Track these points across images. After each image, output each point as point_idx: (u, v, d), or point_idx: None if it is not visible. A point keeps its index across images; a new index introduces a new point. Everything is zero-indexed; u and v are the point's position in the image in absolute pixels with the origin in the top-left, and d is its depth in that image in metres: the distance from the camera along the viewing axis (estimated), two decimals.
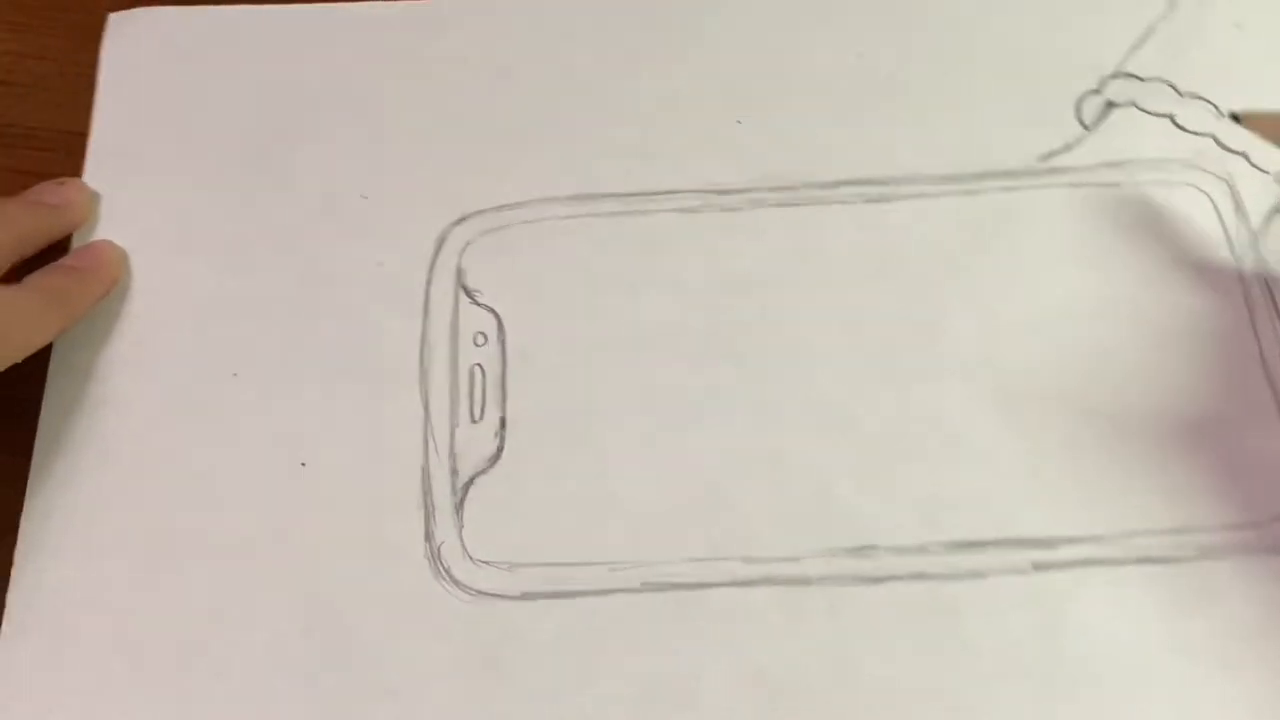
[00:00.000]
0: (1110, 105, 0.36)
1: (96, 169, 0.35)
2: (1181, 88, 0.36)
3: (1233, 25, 0.37)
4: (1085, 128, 0.36)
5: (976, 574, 0.29)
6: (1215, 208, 0.34)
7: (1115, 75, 0.37)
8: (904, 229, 0.34)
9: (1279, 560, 0.29)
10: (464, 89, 0.37)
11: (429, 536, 0.30)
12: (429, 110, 0.36)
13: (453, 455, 0.31)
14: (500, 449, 0.32)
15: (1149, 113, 0.36)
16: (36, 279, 0.32)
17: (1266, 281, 0.33)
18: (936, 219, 0.34)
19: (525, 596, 0.30)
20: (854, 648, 0.29)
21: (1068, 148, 0.35)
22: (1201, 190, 0.34)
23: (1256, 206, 0.34)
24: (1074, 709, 0.28)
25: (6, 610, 0.30)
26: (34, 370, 0.32)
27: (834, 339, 0.33)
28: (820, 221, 0.35)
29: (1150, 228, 0.34)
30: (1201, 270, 0.33)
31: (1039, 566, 0.29)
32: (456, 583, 0.30)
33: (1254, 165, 0.35)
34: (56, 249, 0.34)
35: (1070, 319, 0.32)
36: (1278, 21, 0.37)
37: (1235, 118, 0.33)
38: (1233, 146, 0.35)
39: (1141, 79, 0.36)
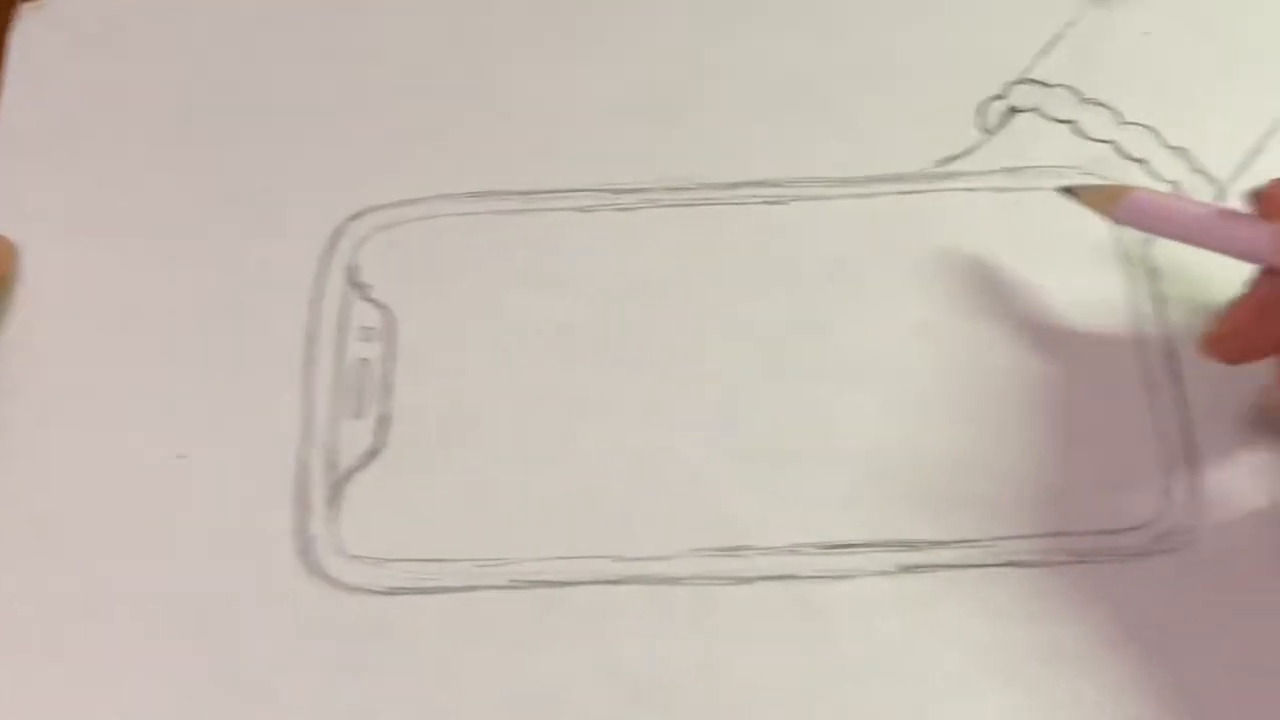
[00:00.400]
0: (1013, 111, 0.36)
1: None
2: (1085, 94, 0.36)
3: (1141, 33, 0.37)
4: (987, 133, 0.36)
5: (845, 576, 0.29)
6: None
7: (1020, 81, 0.37)
8: (797, 231, 0.34)
9: (1145, 565, 0.29)
10: (368, 84, 0.37)
11: (301, 531, 0.30)
12: (332, 105, 0.36)
13: (331, 450, 0.31)
14: (379, 445, 0.31)
15: (1051, 119, 0.36)
16: None
17: (1154, 290, 0.32)
18: (830, 221, 0.34)
19: (392, 592, 0.30)
20: (719, 648, 0.28)
21: (967, 152, 0.35)
22: None
23: None
24: (936, 711, 0.28)
25: None
26: None
27: (722, 340, 0.33)
28: (715, 223, 0.34)
29: (1041, 233, 0.34)
30: (1088, 278, 0.33)
31: (907, 569, 0.29)
32: (326, 577, 0.30)
33: (1153, 174, 0.34)
34: None
35: (956, 323, 0.32)
36: (1186, 30, 0.37)
37: (1068, 190, 0.31)
38: (1132, 154, 0.35)
39: (1046, 85, 0.36)
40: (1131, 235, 0.33)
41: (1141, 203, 0.29)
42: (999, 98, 0.36)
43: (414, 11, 0.38)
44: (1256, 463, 0.30)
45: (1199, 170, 0.34)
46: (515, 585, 0.30)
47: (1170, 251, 0.33)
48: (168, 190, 0.35)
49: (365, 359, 0.33)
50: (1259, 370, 0.30)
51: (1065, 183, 0.31)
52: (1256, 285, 0.27)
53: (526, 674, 0.28)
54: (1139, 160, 0.35)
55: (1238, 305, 0.27)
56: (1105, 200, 0.30)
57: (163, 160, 0.36)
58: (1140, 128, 0.35)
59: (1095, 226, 0.34)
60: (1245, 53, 0.36)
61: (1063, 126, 0.35)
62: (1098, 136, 0.35)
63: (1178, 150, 0.34)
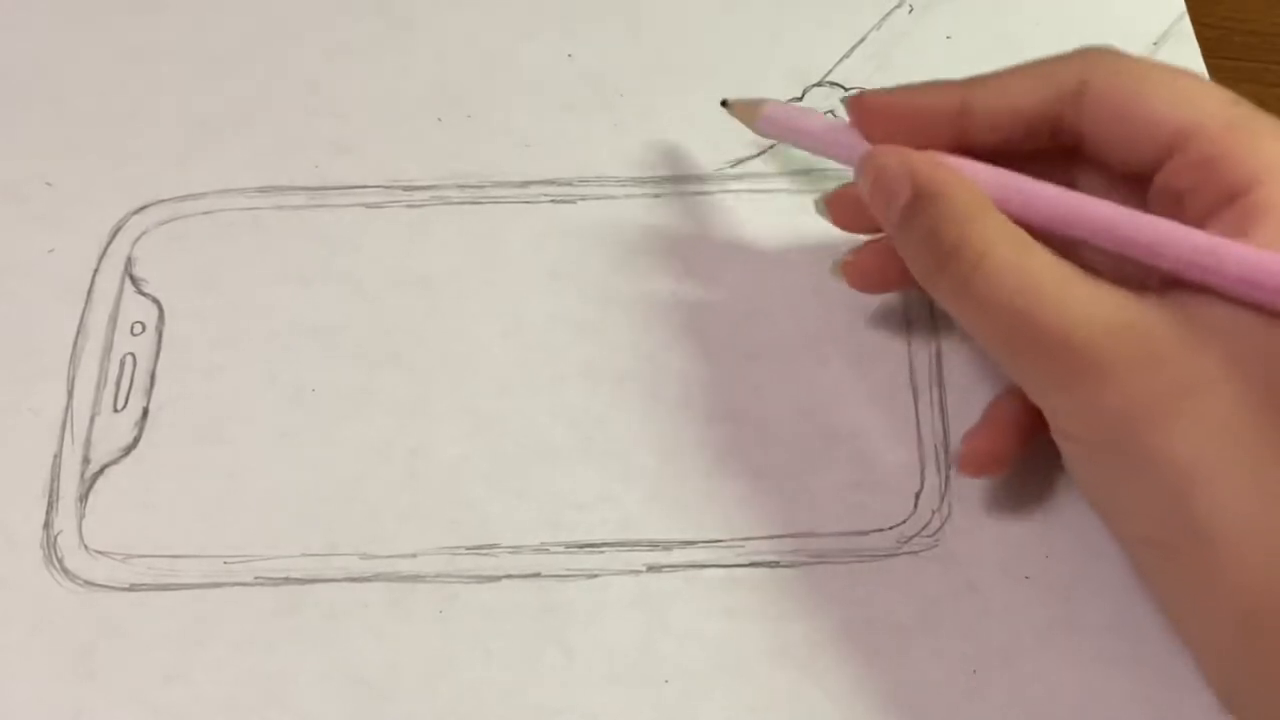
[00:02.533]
0: None
1: None
2: None
3: (944, 37, 0.37)
4: None
5: (590, 574, 0.29)
6: None
7: (820, 84, 0.37)
8: (583, 230, 0.34)
9: (887, 566, 0.28)
10: (160, 76, 0.36)
11: (48, 525, 0.30)
12: (121, 97, 0.36)
13: (87, 444, 0.31)
14: (137, 439, 0.31)
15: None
16: None
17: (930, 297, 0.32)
18: (617, 221, 0.34)
19: (134, 588, 0.29)
20: (457, 646, 0.28)
21: (760, 153, 0.35)
22: None
23: None
24: (662, 710, 0.27)
25: None
26: None
27: (493, 338, 0.32)
28: (501, 221, 0.34)
29: (823, 235, 0.34)
30: None
31: (654, 569, 0.29)
32: (66, 572, 0.29)
33: None
34: None
35: (726, 322, 0.32)
36: (988, 34, 0.37)
37: (725, 104, 0.32)
38: None
39: (845, 88, 0.36)
40: None
41: (774, 114, 0.31)
42: (796, 100, 0.36)
43: (206, 5, 0.38)
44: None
45: None
46: (260, 582, 0.29)
47: None
48: None
49: (132, 353, 0.32)
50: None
51: (723, 97, 0.33)
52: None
53: (257, 672, 0.28)
54: None
55: (871, 243, 0.30)
56: (750, 113, 0.31)
57: None
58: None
59: None
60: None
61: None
62: None
63: None
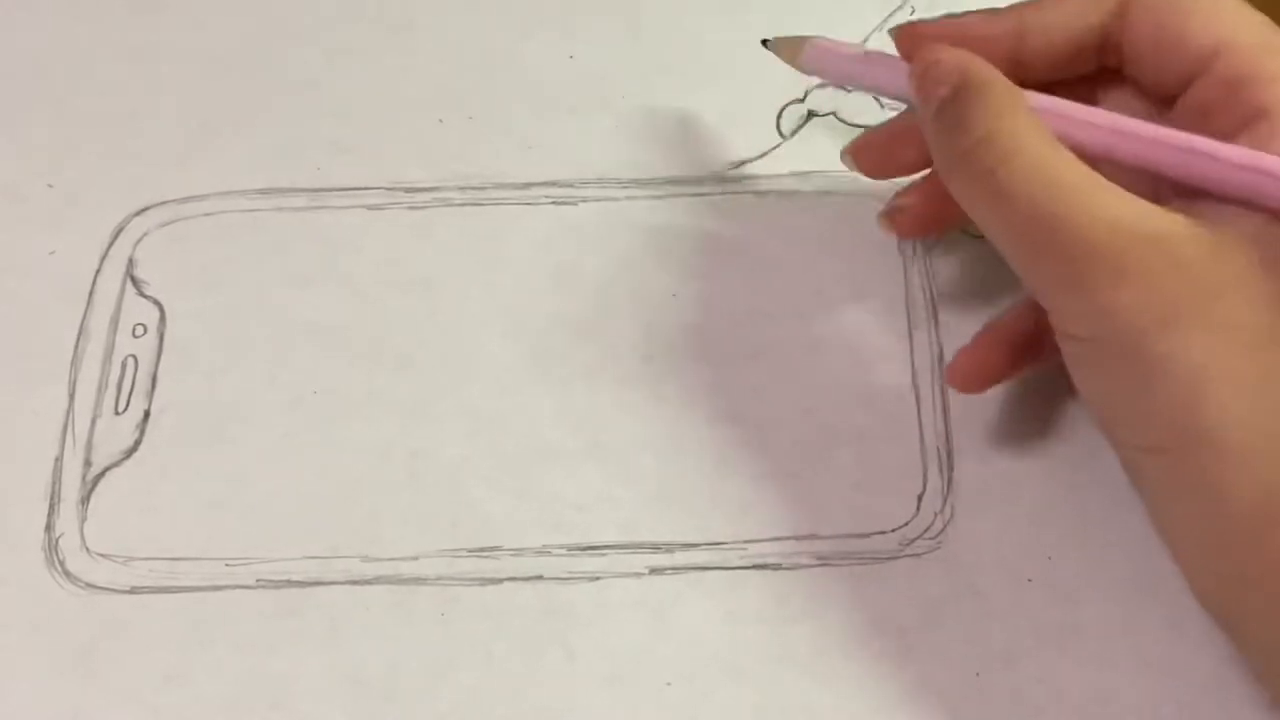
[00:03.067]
0: (811, 115, 0.36)
1: None
2: (885, 100, 0.36)
3: None
4: (783, 136, 0.36)
5: (592, 577, 0.29)
6: None
7: (822, 85, 0.36)
8: (584, 232, 0.34)
9: (889, 569, 0.28)
10: (161, 77, 0.36)
11: (49, 527, 0.30)
12: (122, 98, 0.36)
13: (89, 446, 0.31)
14: (138, 442, 0.31)
15: (848, 124, 0.36)
16: None
17: (932, 298, 0.32)
18: (619, 223, 0.34)
19: (135, 590, 0.29)
20: (458, 648, 0.28)
21: (761, 156, 0.35)
22: (884, 203, 0.34)
23: None
24: (664, 713, 0.27)
25: None
26: None
27: (494, 340, 0.32)
28: (503, 223, 0.34)
29: (823, 236, 0.34)
30: (868, 282, 0.33)
31: (656, 571, 0.29)
32: (68, 575, 0.29)
33: None
34: None
35: (728, 324, 0.32)
36: None
37: (766, 42, 0.33)
38: None
39: (847, 90, 0.36)
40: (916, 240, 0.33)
41: (819, 48, 0.31)
42: (798, 102, 0.36)
43: (207, 6, 0.37)
44: (1009, 470, 0.30)
45: None
46: (262, 585, 0.29)
47: (950, 259, 0.33)
48: None
49: (133, 355, 0.32)
50: (1020, 378, 0.31)
51: (764, 37, 0.32)
52: (900, 115, 0.31)
53: (258, 675, 0.28)
54: None
55: (879, 127, 0.31)
56: (793, 51, 0.32)
57: None
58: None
59: (878, 230, 0.34)
60: None
61: (858, 130, 0.35)
62: None
63: None
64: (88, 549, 0.29)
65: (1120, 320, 0.24)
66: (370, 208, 0.34)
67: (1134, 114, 0.27)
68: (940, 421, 0.30)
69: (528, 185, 0.35)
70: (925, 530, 0.29)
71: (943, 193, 0.27)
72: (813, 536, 0.29)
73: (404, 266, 0.33)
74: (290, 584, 0.29)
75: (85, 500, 0.30)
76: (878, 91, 0.30)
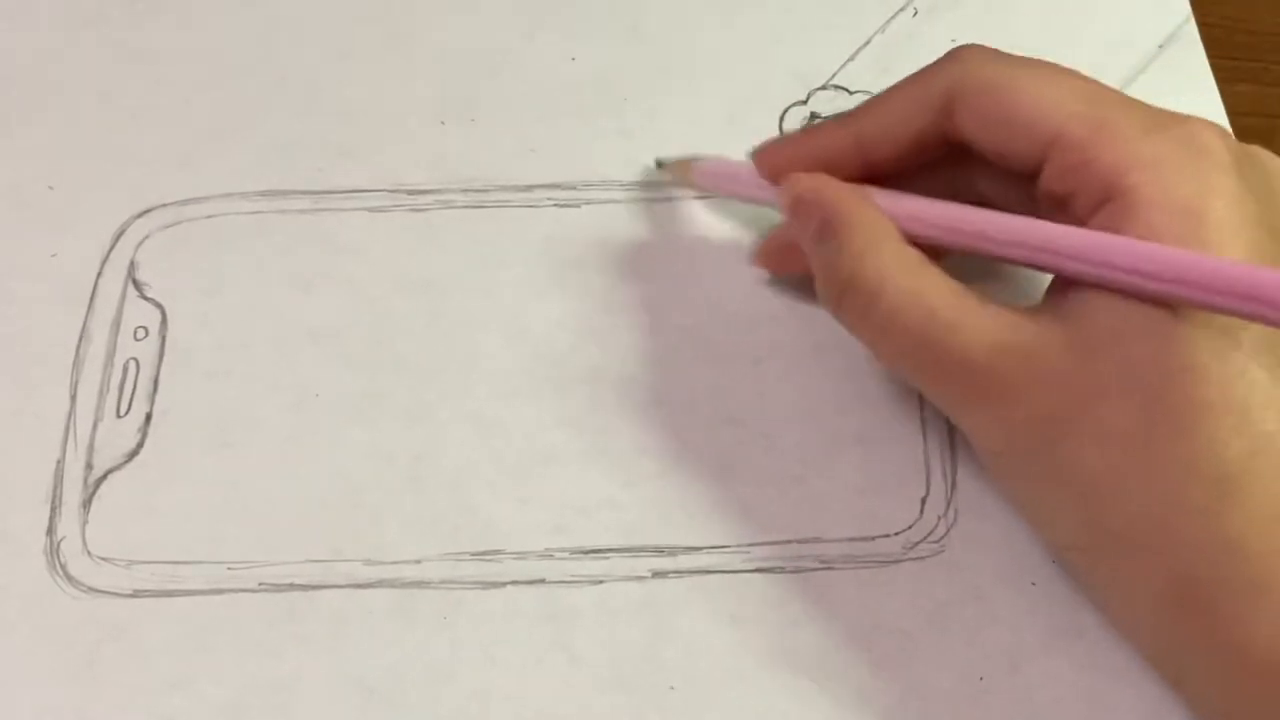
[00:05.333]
0: (814, 117, 0.36)
1: None
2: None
3: (949, 40, 0.37)
4: None
5: (595, 580, 0.29)
6: None
7: (824, 87, 0.36)
8: (587, 235, 0.34)
9: (892, 572, 0.28)
10: (162, 79, 0.36)
11: (51, 531, 0.30)
12: (124, 100, 0.36)
13: (90, 449, 0.31)
14: (140, 445, 0.31)
15: None
16: None
17: None
18: (622, 225, 0.34)
19: (137, 594, 0.29)
20: (460, 652, 0.28)
21: None
22: None
23: None
24: (666, 717, 0.27)
25: None
26: None
27: (496, 343, 0.32)
28: (505, 225, 0.34)
29: None
30: None
31: (659, 574, 0.29)
32: (70, 579, 0.29)
33: None
34: None
35: (731, 327, 0.32)
36: (992, 38, 0.37)
37: (659, 164, 0.34)
38: None
39: (850, 91, 0.36)
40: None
41: (705, 169, 0.32)
42: (801, 103, 0.36)
43: (211, 8, 0.37)
44: None
45: None
46: (264, 589, 0.29)
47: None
48: None
49: (135, 358, 0.32)
50: None
51: (657, 157, 0.34)
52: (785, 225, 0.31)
53: (261, 679, 0.28)
54: None
55: (780, 229, 0.32)
56: (683, 172, 0.33)
57: None
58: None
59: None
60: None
61: None
62: None
63: None
64: (89, 552, 0.29)
65: (1019, 431, 0.25)
66: (372, 210, 0.34)
67: (997, 195, 0.28)
68: (944, 424, 0.30)
69: (530, 188, 0.35)
70: (929, 534, 0.29)
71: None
72: (816, 540, 0.29)
73: (406, 269, 0.33)
74: (293, 587, 0.29)
75: (87, 504, 0.30)
76: (771, 206, 0.30)
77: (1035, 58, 0.27)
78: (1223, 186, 0.24)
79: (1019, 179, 0.27)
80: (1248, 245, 0.24)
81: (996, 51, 0.28)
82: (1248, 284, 0.23)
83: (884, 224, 0.27)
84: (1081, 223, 0.25)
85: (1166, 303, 0.24)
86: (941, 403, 0.27)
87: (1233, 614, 0.23)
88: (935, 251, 0.27)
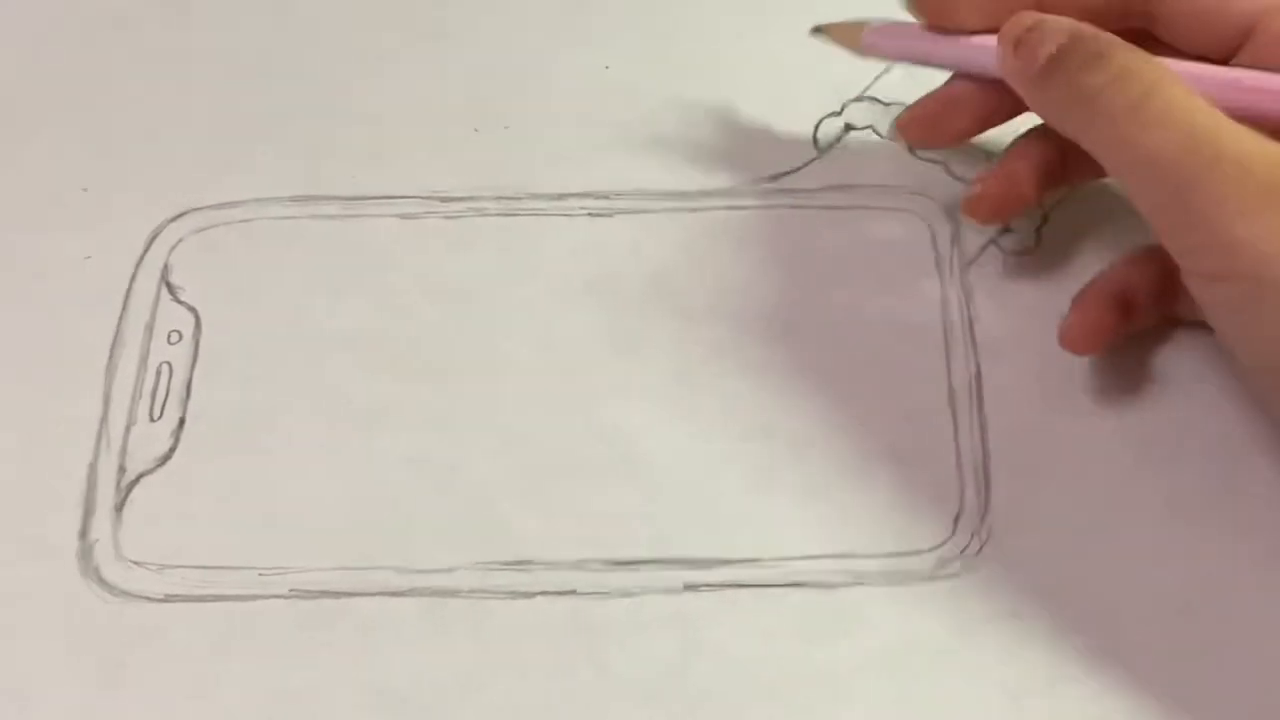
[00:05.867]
0: (849, 128, 0.36)
1: None
2: None
3: None
4: (820, 150, 0.35)
5: (626, 593, 0.29)
6: (933, 237, 0.33)
7: (859, 99, 0.36)
8: (619, 244, 0.34)
9: (925, 589, 0.28)
10: (196, 84, 0.37)
11: (84, 534, 0.30)
12: (158, 105, 0.36)
13: (123, 453, 0.31)
14: (173, 449, 0.31)
15: (885, 138, 0.36)
16: None
17: (969, 316, 0.32)
18: (654, 235, 0.34)
19: (168, 599, 0.29)
20: (489, 662, 0.28)
21: (798, 169, 0.35)
22: (922, 218, 0.34)
23: (976, 240, 0.33)
24: None
25: None
26: None
27: (527, 352, 0.32)
28: (538, 233, 0.34)
29: (865, 251, 0.33)
30: (904, 299, 0.32)
31: (690, 587, 0.29)
32: (102, 582, 0.29)
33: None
34: None
35: (763, 339, 0.32)
36: None
37: (817, 29, 0.33)
38: (961, 174, 0.34)
39: (885, 103, 0.36)
40: (954, 258, 0.33)
41: (882, 29, 0.32)
42: (835, 115, 0.36)
43: (244, 12, 0.38)
44: (1048, 490, 0.29)
45: None
46: (295, 595, 0.29)
47: (986, 277, 0.33)
48: None
49: (168, 362, 0.32)
50: (1058, 398, 0.30)
51: (815, 24, 0.33)
52: (949, 83, 0.32)
53: (290, 685, 0.28)
54: (967, 181, 0.34)
55: (927, 98, 0.32)
56: (851, 35, 0.33)
57: None
58: (971, 147, 0.34)
59: (919, 245, 0.33)
60: None
61: (895, 145, 0.35)
62: (928, 156, 0.35)
63: None
64: (122, 557, 0.29)
65: (1247, 253, 0.25)
66: (404, 217, 0.34)
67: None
68: (978, 441, 0.30)
69: (563, 196, 0.35)
70: (962, 551, 0.29)
71: (1016, 176, 0.30)
72: (849, 555, 0.29)
73: (438, 276, 0.33)
74: (324, 594, 0.29)
75: (120, 507, 0.30)
76: (940, 65, 0.31)
77: None
78: None
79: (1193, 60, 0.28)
80: None
81: None
82: None
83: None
84: None
85: None
86: (1175, 218, 0.26)
87: None
88: None
